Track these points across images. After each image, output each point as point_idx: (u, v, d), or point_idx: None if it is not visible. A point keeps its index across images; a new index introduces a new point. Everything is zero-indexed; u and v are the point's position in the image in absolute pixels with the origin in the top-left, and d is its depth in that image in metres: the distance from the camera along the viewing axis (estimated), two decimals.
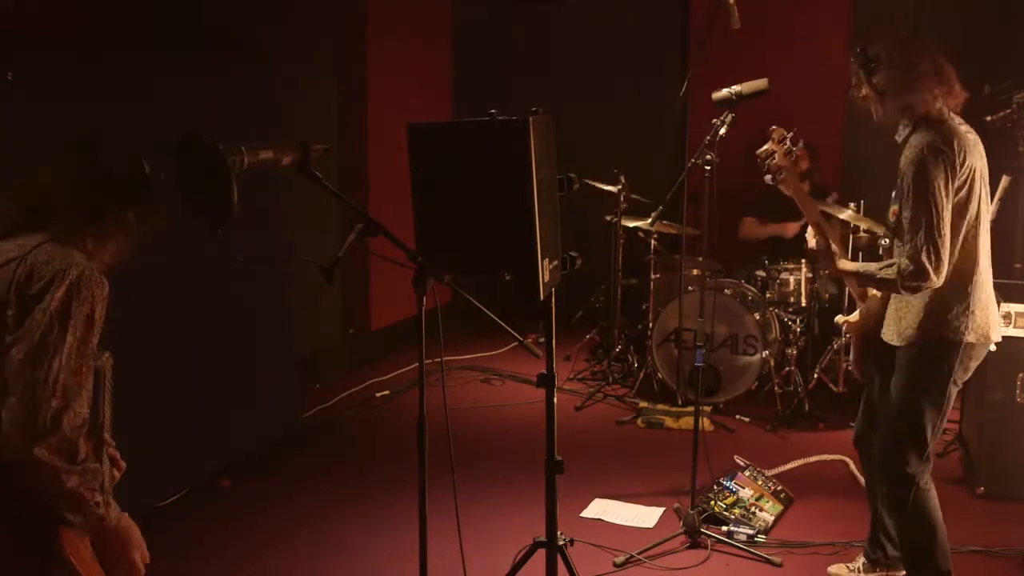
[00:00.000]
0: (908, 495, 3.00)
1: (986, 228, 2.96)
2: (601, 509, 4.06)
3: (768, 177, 3.27)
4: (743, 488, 4.02)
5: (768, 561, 3.56)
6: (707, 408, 5.25)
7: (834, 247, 3.14)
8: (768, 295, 5.56)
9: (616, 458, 4.73)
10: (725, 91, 3.61)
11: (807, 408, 5.24)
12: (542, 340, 2.75)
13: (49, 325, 1.89)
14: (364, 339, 6.28)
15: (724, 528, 3.78)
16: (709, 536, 3.70)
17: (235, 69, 4.44)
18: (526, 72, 7.36)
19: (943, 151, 2.79)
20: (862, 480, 4.23)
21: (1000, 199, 4.50)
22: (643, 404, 5.42)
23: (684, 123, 3.76)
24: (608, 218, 5.96)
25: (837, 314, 5.34)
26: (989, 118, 4.46)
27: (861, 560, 3.40)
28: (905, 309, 2.99)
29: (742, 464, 4.30)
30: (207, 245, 3.24)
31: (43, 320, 1.89)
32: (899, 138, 2.97)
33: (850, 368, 5.42)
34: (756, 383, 5.38)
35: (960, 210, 2.85)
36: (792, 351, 5.48)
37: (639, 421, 5.23)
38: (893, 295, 3.04)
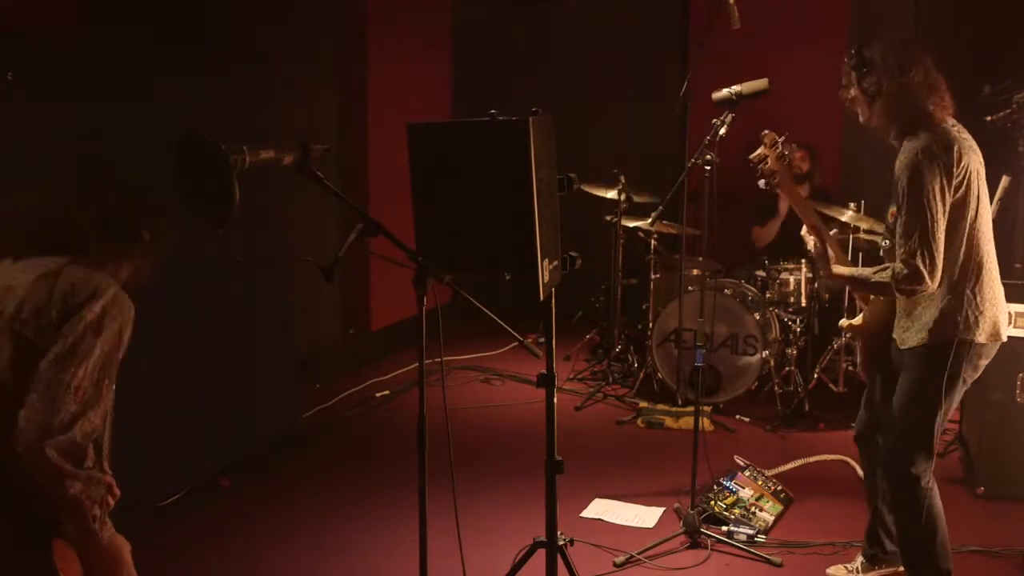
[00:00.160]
0: (912, 495, 3.01)
1: (989, 226, 2.97)
2: (601, 509, 4.06)
3: (762, 182, 3.29)
4: (743, 488, 4.02)
5: (768, 561, 3.57)
6: (707, 408, 5.25)
7: (831, 251, 3.15)
8: (768, 295, 5.56)
9: (616, 458, 4.73)
10: (725, 91, 3.61)
11: (807, 408, 5.24)
12: (542, 340, 2.75)
13: (82, 334, 1.99)
14: (364, 339, 6.28)
15: (724, 528, 3.79)
16: (709, 536, 3.70)
17: (235, 69, 4.44)
18: (526, 72, 7.36)
19: (937, 155, 2.79)
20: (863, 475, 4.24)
21: (1000, 199, 4.50)
22: (643, 404, 5.42)
23: (684, 123, 3.76)
24: (608, 218, 5.96)
25: (837, 314, 5.37)
26: (989, 118, 4.46)
27: (859, 560, 3.40)
28: (915, 309, 2.98)
29: (742, 464, 4.30)
30: (207, 245, 3.25)
31: (78, 327, 1.99)
32: (894, 142, 2.97)
33: (850, 368, 5.45)
34: (756, 383, 5.39)
35: (959, 211, 2.84)
36: (792, 351, 5.48)
37: (639, 421, 5.23)
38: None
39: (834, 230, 5.45)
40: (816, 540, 3.72)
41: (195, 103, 3.97)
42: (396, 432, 5.06)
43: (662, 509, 4.06)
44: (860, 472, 4.33)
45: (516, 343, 2.54)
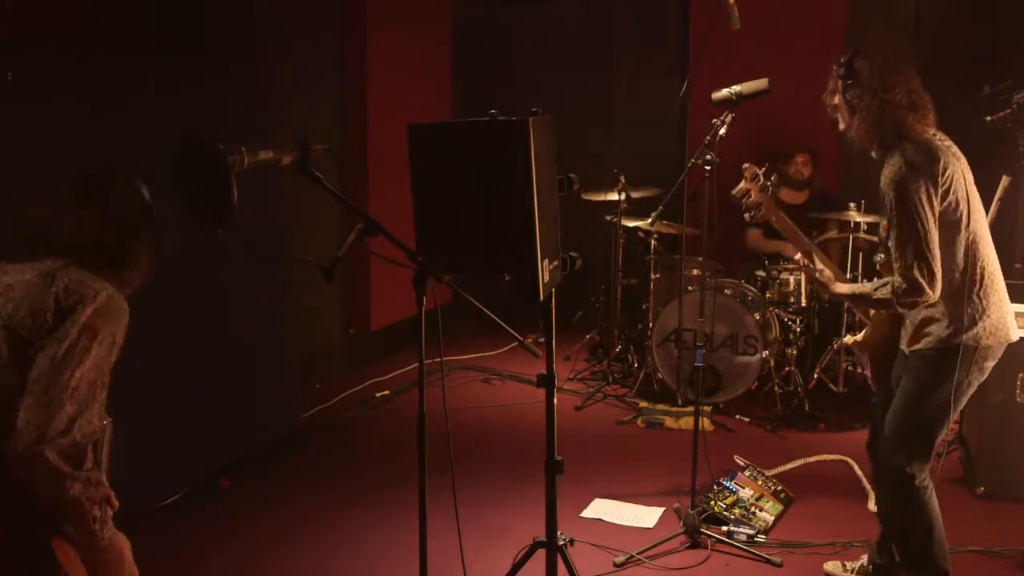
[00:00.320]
0: (907, 494, 3.01)
1: (986, 229, 2.97)
2: (601, 509, 4.06)
3: (747, 215, 3.32)
4: (743, 488, 4.02)
5: (768, 561, 3.57)
6: (707, 408, 5.25)
7: (827, 272, 3.16)
8: (768, 295, 5.56)
9: (616, 458, 4.73)
10: (725, 91, 3.62)
11: (807, 408, 5.24)
12: (542, 340, 2.75)
13: (77, 337, 2.01)
14: (364, 339, 6.28)
15: (724, 528, 3.78)
16: (709, 536, 3.70)
17: (235, 69, 4.44)
18: (526, 72, 7.35)
19: (921, 166, 2.80)
20: (868, 486, 4.24)
21: (1000, 199, 4.50)
22: (643, 404, 5.42)
23: (684, 123, 3.76)
24: (608, 218, 5.96)
25: (837, 314, 5.37)
26: (989, 118, 4.46)
27: (863, 561, 3.39)
28: (921, 315, 2.98)
29: (742, 464, 4.30)
30: (207, 245, 3.25)
31: (72, 331, 2.01)
32: (874, 155, 2.98)
33: (850, 368, 5.45)
34: (756, 383, 5.38)
35: (951, 218, 2.85)
36: (792, 351, 5.48)
37: (639, 421, 5.23)
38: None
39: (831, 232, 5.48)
40: (816, 540, 3.72)
41: (195, 103, 3.97)
42: (396, 432, 5.06)
43: (662, 509, 4.05)
44: (863, 476, 4.34)
45: (516, 343, 2.54)
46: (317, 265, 2.31)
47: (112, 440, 2.21)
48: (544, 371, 2.72)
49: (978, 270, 2.91)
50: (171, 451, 3.93)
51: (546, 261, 2.49)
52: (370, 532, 3.87)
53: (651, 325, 5.60)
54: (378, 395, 5.65)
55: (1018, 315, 4.01)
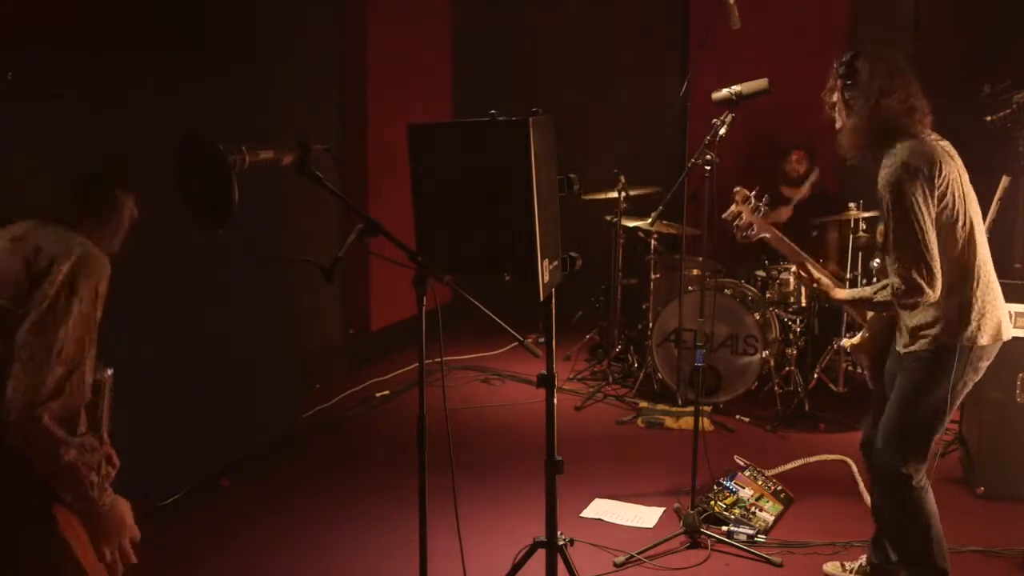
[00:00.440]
0: (904, 494, 3.01)
1: (981, 229, 2.97)
2: (601, 509, 4.06)
3: (739, 235, 3.37)
4: (743, 488, 4.02)
5: (768, 561, 3.56)
6: (707, 408, 5.25)
7: (825, 281, 3.17)
8: (768, 295, 5.56)
9: (616, 458, 4.73)
10: (725, 91, 3.62)
11: (807, 408, 5.24)
12: (542, 340, 2.76)
13: (55, 297, 1.97)
14: (364, 339, 6.28)
15: (724, 528, 3.78)
16: (709, 536, 3.70)
17: (235, 69, 4.44)
18: (526, 72, 7.35)
19: (917, 166, 2.80)
20: (862, 485, 4.24)
21: (1000, 199, 4.50)
22: (643, 404, 5.42)
23: (684, 123, 3.76)
24: (608, 218, 5.96)
25: (837, 314, 5.37)
26: (989, 118, 4.46)
27: (862, 561, 3.40)
28: (920, 316, 2.98)
29: (742, 464, 4.30)
30: (207, 245, 3.25)
31: (50, 292, 1.97)
32: (854, 162, 3.00)
33: (850, 368, 5.45)
34: (756, 383, 5.38)
35: (948, 218, 2.86)
36: (792, 351, 5.48)
37: (639, 421, 5.23)
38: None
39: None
40: (816, 540, 3.72)
41: (195, 103, 3.97)
42: (396, 432, 5.06)
43: (662, 509, 4.05)
44: (860, 478, 4.34)
45: (516, 343, 2.54)
46: (317, 265, 2.31)
47: (113, 393, 2.19)
48: (544, 371, 2.72)
49: (974, 270, 2.91)
50: (171, 451, 3.92)
51: (546, 261, 2.49)
52: (370, 532, 3.87)
53: (651, 325, 5.60)
54: (378, 395, 5.65)
55: (1018, 315, 4.03)
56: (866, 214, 5.14)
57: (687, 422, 4.99)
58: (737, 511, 3.88)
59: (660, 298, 5.77)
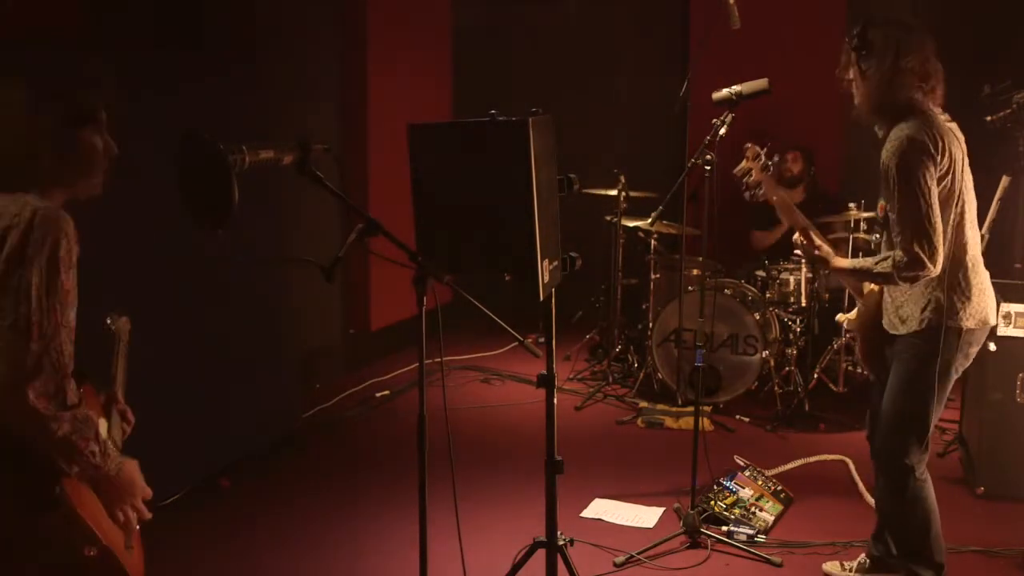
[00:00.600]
0: (906, 485, 3.01)
1: (973, 215, 2.97)
2: (601, 509, 4.06)
3: (747, 194, 3.33)
4: (743, 488, 4.02)
5: (768, 561, 3.56)
6: (707, 408, 5.25)
7: (826, 248, 3.16)
8: (768, 295, 5.56)
9: (616, 458, 4.73)
10: (725, 91, 3.61)
11: (807, 408, 5.24)
12: (542, 340, 2.75)
13: (8, 274, 1.86)
14: (364, 339, 6.28)
15: (724, 528, 3.78)
16: (709, 536, 3.70)
17: (235, 69, 4.44)
18: (526, 72, 7.36)
19: (923, 142, 2.80)
20: (862, 485, 4.24)
21: (1000, 199, 4.50)
22: (643, 404, 5.42)
23: (684, 123, 3.76)
24: (608, 218, 5.96)
25: (837, 314, 5.36)
26: (989, 118, 4.46)
27: (862, 559, 3.40)
28: (903, 298, 3.00)
29: (742, 464, 4.30)
30: (207, 245, 3.25)
31: (3, 269, 1.86)
32: (879, 132, 2.98)
33: (850, 368, 5.45)
34: (756, 383, 5.38)
35: (946, 200, 2.86)
36: (792, 351, 5.48)
37: (639, 421, 5.23)
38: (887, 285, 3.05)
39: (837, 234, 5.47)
40: (816, 540, 3.72)
41: (195, 103, 3.97)
42: (396, 432, 5.06)
43: (662, 509, 4.05)
44: (858, 478, 4.34)
45: (516, 343, 2.54)
46: (317, 265, 2.31)
47: (129, 343, 2.12)
48: (544, 371, 2.72)
49: (962, 254, 2.92)
50: (171, 451, 3.92)
51: (546, 261, 2.49)
52: (370, 532, 3.87)
53: (651, 325, 5.60)
54: (378, 395, 5.65)
55: (1018, 315, 4.03)
56: (866, 214, 5.14)
57: (687, 422, 4.99)
58: (737, 511, 3.88)
59: (660, 298, 5.77)
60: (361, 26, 6.02)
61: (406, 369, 6.02)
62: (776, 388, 5.35)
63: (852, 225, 5.20)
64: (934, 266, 2.81)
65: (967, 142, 2.97)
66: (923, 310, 2.93)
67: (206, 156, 2.01)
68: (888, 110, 2.92)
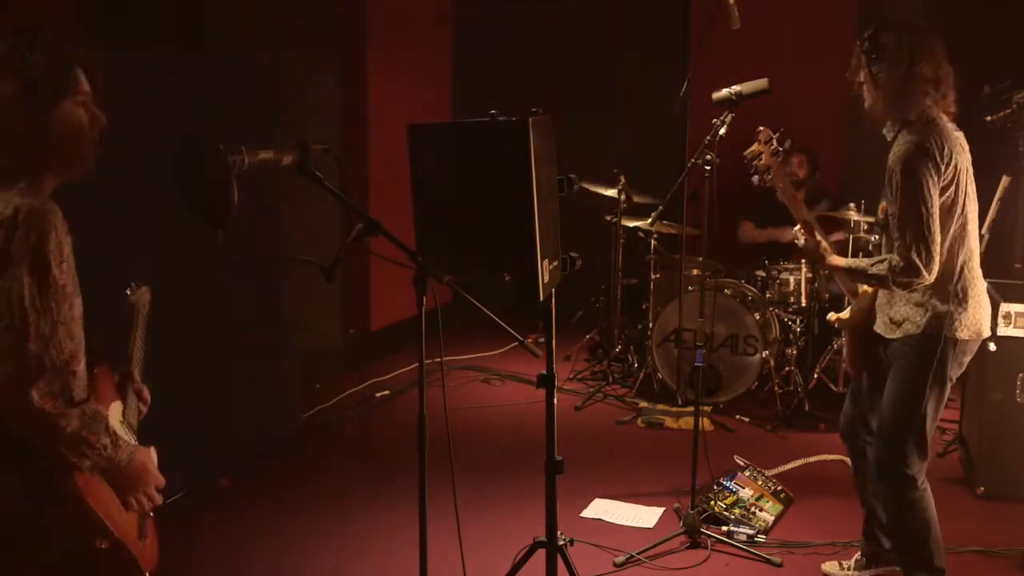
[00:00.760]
0: (908, 496, 3.01)
1: (974, 226, 2.97)
2: (601, 509, 4.06)
3: (755, 178, 3.30)
4: (743, 488, 4.02)
5: (768, 561, 3.57)
6: (707, 408, 5.25)
7: (824, 244, 3.15)
8: (768, 295, 5.56)
9: (616, 458, 4.73)
10: (725, 91, 3.62)
11: (807, 408, 5.24)
12: (542, 340, 2.75)
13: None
14: (364, 339, 6.28)
15: (724, 528, 3.79)
16: (709, 536, 3.70)
17: (235, 69, 4.44)
18: (526, 72, 7.35)
19: (930, 151, 2.80)
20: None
21: (1000, 199, 4.50)
22: (643, 404, 5.42)
23: (684, 123, 3.76)
24: (608, 218, 5.96)
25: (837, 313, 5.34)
26: (989, 118, 4.46)
27: (858, 557, 3.40)
28: (895, 300, 2.99)
29: (742, 464, 4.30)
30: (207, 245, 3.25)
31: None
32: (888, 135, 2.97)
33: (846, 366, 5.45)
34: (756, 383, 5.38)
35: (948, 209, 2.86)
36: (792, 351, 5.48)
37: (639, 421, 5.23)
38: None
39: (840, 234, 5.47)
40: (816, 540, 3.72)
41: (195, 103, 3.97)
42: (396, 432, 5.06)
43: (662, 509, 4.06)
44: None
45: (516, 343, 2.54)
46: (317, 265, 2.31)
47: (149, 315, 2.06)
48: (544, 371, 2.72)
49: (959, 263, 2.92)
50: (171, 451, 3.91)
51: (546, 261, 2.49)
52: (370, 532, 3.87)
53: (651, 325, 5.60)
54: (378, 395, 5.65)
55: (1018, 315, 4.03)
56: (867, 218, 5.13)
57: (687, 422, 4.99)
58: (737, 511, 3.88)
59: (660, 298, 5.77)
60: (361, 26, 6.03)
61: (406, 369, 6.01)
62: (776, 388, 5.35)
63: (852, 226, 5.19)
64: (929, 274, 2.82)
65: (967, 142, 2.97)
66: (919, 318, 2.93)
67: (206, 157, 2.00)
68: (901, 114, 2.91)
